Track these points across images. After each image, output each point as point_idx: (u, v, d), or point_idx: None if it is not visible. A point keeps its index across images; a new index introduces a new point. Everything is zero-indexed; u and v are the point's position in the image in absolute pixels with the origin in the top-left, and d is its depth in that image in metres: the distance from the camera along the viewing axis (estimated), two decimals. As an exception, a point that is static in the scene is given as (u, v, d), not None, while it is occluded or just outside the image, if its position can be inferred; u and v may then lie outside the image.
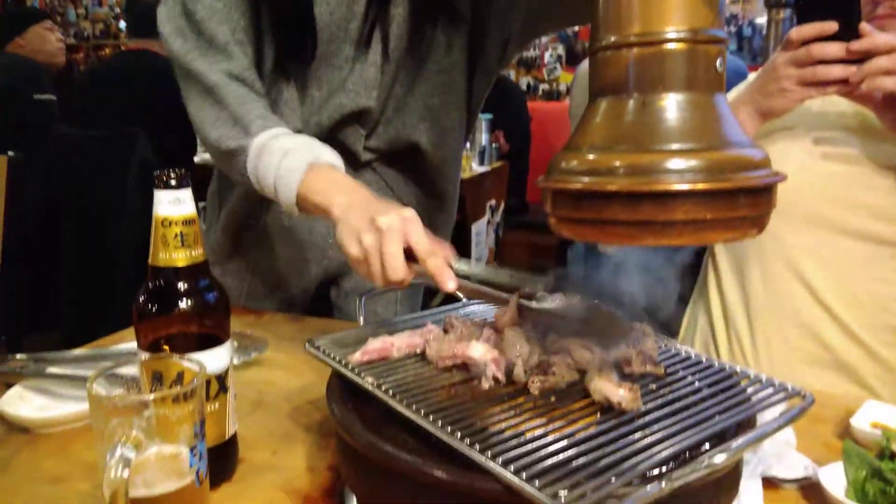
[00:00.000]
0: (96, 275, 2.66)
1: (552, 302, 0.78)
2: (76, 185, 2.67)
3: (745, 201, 0.54)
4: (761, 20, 5.07)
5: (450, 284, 0.77)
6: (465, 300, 0.94)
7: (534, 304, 0.78)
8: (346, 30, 1.14)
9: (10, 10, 3.57)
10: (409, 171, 1.29)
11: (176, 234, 0.69)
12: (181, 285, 0.71)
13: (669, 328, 1.39)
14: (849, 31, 1.02)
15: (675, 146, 0.53)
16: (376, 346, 0.77)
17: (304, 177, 0.94)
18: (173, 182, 0.69)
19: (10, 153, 1.84)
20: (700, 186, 0.52)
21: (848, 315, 1.16)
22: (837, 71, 1.03)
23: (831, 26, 1.03)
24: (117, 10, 6.07)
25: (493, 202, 4.06)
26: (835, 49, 1.03)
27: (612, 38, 0.56)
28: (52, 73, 3.43)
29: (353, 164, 1.26)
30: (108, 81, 3.07)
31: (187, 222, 0.70)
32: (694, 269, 1.45)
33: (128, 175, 2.62)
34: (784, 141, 1.23)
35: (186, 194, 0.70)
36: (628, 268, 1.55)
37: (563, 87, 6.04)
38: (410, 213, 0.82)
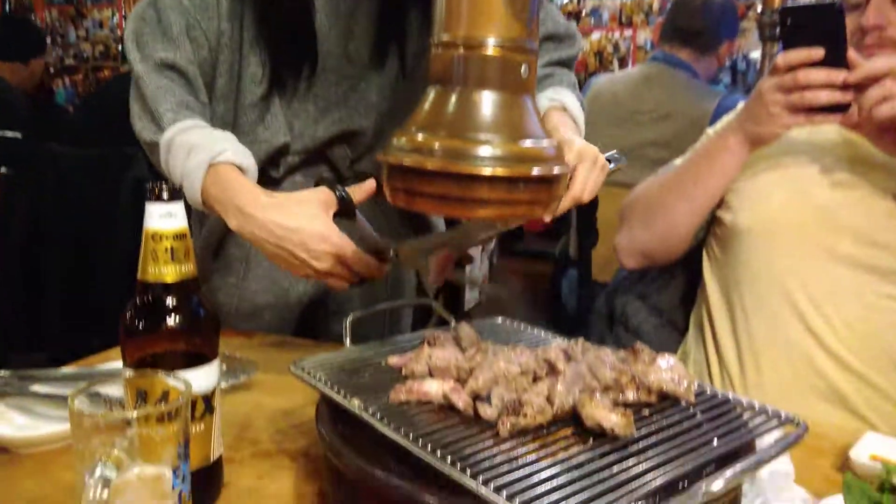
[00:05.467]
0: (85, 295, 2.63)
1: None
2: (67, 204, 2.65)
3: (526, 188, 0.65)
4: (755, 54, 5.13)
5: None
6: (454, 323, 0.93)
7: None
8: (344, 47, 1.14)
9: (21, 24, 3.48)
10: None
11: (166, 249, 0.68)
12: (170, 301, 0.69)
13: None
14: (836, 58, 1.02)
15: (481, 136, 0.64)
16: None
17: (204, 180, 0.97)
18: (165, 195, 0.68)
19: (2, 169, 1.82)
20: (490, 172, 0.63)
21: (840, 343, 1.15)
22: (824, 97, 1.04)
23: (818, 53, 1.03)
24: (118, 32, 6.12)
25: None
26: (821, 75, 1.03)
27: (444, 37, 0.66)
28: (30, 96, 3.40)
29: (341, 180, 1.25)
30: (107, 103, 3.07)
31: (178, 237, 0.69)
32: (688, 299, 1.44)
33: (120, 193, 2.61)
34: (773, 170, 1.23)
35: (178, 208, 0.69)
36: (620, 298, 1.55)
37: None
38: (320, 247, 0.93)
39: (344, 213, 0.98)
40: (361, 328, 1.32)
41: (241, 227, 0.96)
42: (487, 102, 0.65)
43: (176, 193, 0.68)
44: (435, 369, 0.75)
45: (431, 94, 0.68)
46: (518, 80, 0.66)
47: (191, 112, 1.06)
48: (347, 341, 0.87)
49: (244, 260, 1.27)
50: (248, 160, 1.02)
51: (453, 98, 0.66)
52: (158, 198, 0.68)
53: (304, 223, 0.93)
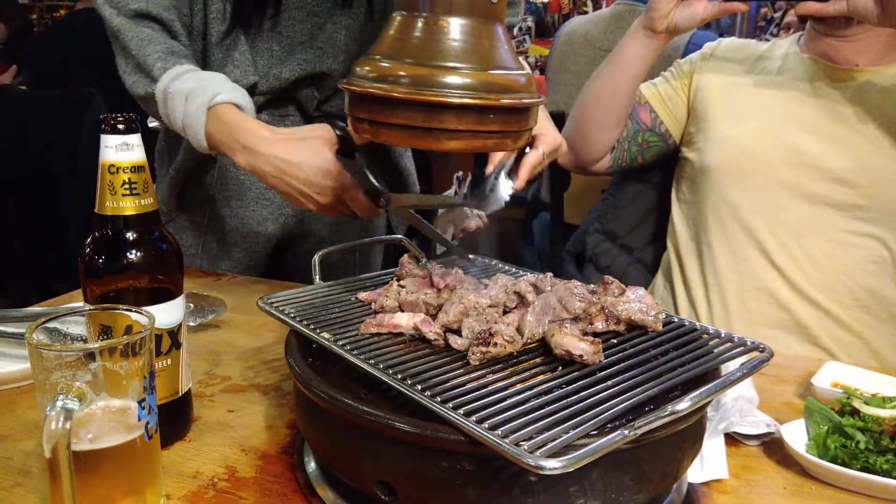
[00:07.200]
0: (51, 239, 2.57)
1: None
2: (27, 146, 2.57)
3: (496, 118, 0.63)
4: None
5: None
6: (423, 260, 0.92)
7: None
8: None
9: None
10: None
11: (124, 182, 0.66)
12: (130, 235, 0.67)
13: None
14: None
15: (448, 63, 0.62)
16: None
17: (206, 124, 0.97)
18: (121, 126, 0.65)
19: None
20: (459, 101, 0.60)
21: (804, 279, 1.17)
22: None
23: None
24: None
25: (460, 173, 4.03)
26: None
27: None
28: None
29: (308, 120, 1.23)
30: (57, 42, 2.96)
31: (136, 168, 0.66)
32: (658, 240, 1.45)
33: (82, 134, 2.53)
34: (740, 111, 1.23)
35: (135, 139, 0.66)
36: (592, 237, 1.55)
37: (531, 60, 5.99)
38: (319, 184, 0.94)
39: (343, 152, 0.98)
40: (332, 270, 1.31)
41: (248, 163, 0.96)
42: (456, 29, 0.62)
43: (133, 125, 0.66)
44: (405, 304, 0.74)
45: (397, 20, 0.65)
46: (487, 7, 0.63)
47: (178, 57, 1.03)
48: (317, 278, 0.86)
49: (209, 201, 1.25)
50: (244, 97, 1.01)
51: (420, 24, 0.63)
52: (114, 129, 0.65)
53: (307, 158, 0.93)
